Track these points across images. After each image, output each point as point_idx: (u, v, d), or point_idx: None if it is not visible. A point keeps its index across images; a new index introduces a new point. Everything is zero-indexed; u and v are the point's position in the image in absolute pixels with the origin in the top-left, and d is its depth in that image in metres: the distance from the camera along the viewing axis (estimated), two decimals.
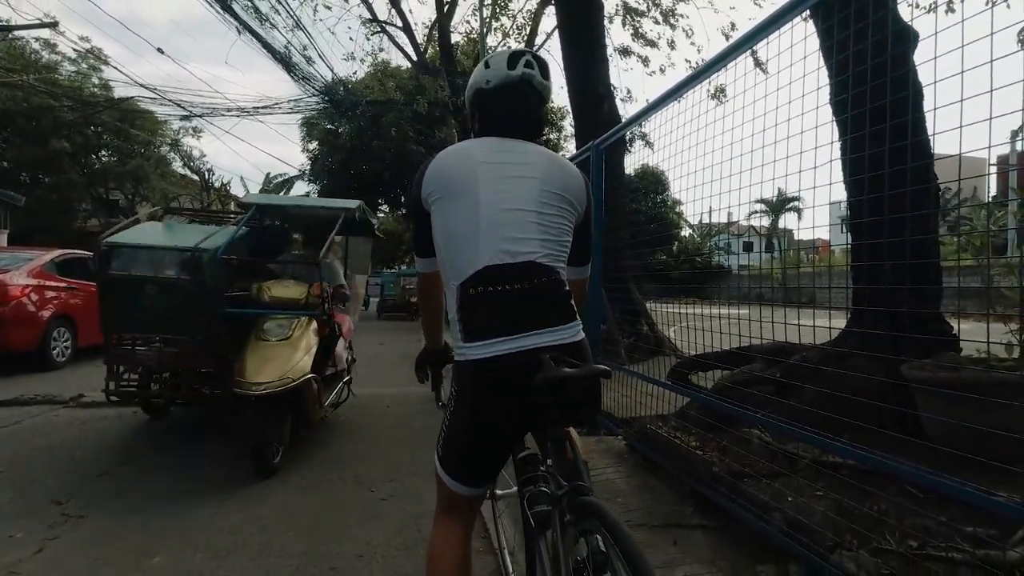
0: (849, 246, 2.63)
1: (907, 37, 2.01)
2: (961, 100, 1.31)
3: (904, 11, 2.27)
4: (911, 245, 1.95)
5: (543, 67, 1.50)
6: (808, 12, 2.02)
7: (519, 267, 1.31)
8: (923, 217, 2.01)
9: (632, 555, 1.01)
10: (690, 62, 14.85)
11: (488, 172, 1.37)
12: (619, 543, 1.04)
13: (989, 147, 1.32)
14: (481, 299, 1.29)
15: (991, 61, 1.28)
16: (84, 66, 18.75)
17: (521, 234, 1.33)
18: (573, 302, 1.39)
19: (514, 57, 1.47)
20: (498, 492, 2.10)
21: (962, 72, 1.32)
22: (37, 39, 17.97)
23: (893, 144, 1.76)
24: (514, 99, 1.47)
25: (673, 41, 16.32)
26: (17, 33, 15.64)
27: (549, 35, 16.49)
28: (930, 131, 1.90)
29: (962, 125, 1.32)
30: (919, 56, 2.26)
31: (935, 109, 1.42)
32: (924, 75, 2.21)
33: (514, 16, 16.26)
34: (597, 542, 1.11)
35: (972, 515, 1.75)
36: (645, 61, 13.87)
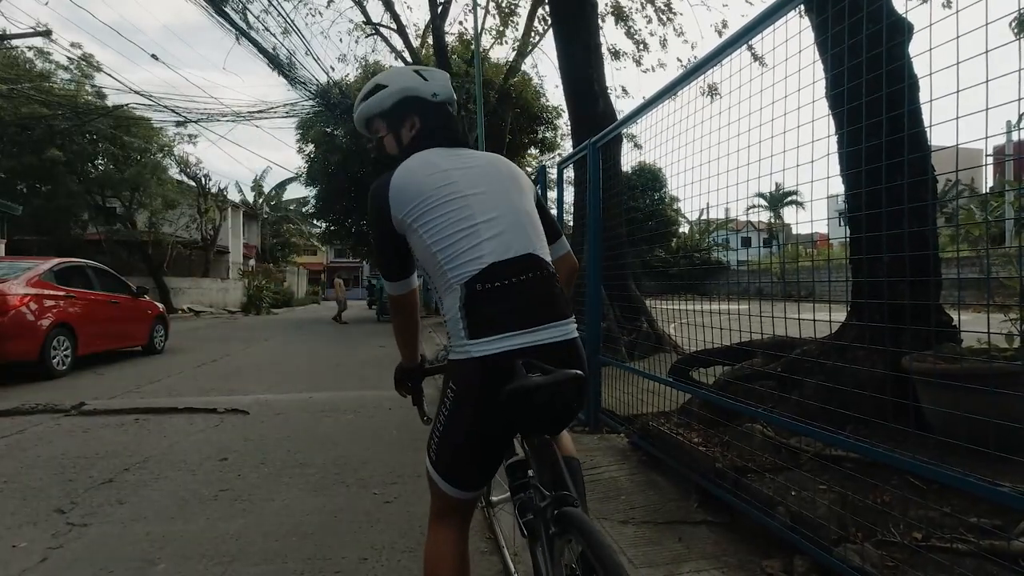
0: (848, 239, 2.63)
1: (902, 29, 2.01)
2: (957, 91, 1.31)
3: (899, 5, 2.27)
4: (909, 237, 1.96)
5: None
6: (803, 7, 2.02)
7: (521, 260, 1.33)
8: (921, 208, 2.02)
9: (612, 571, 0.99)
10: (682, 60, 14.95)
11: (464, 176, 1.39)
12: (600, 558, 1.02)
13: (987, 137, 1.32)
14: (488, 295, 1.29)
15: (986, 51, 1.28)
16: (78, 73, 18.69)
17: (515, 229, 1.36)
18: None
19: (449, 79, 1.58)
20: (493, 498, 2.09)
21: (957, 63, 1.33)
22: (31, 48, 17.96)
23: (890, 136, 1.76)
24: (453, 115, 1.55)
25: (665, 39, 16.41)
26: (12, 42, 15.63)
27: (543, 35, 16.52)
28: (926, 123, 1.90)
29: (958, 116, 1.33)
30: (913, 48, 2.27)
31: (931, 101, 1.43)
32: (919, 67, 2.21)
33: (507, 15, 16.28)
34: (581, 552, 1.11)
35: (976, 506, 1.76)
36: (638, 61, 13.94)
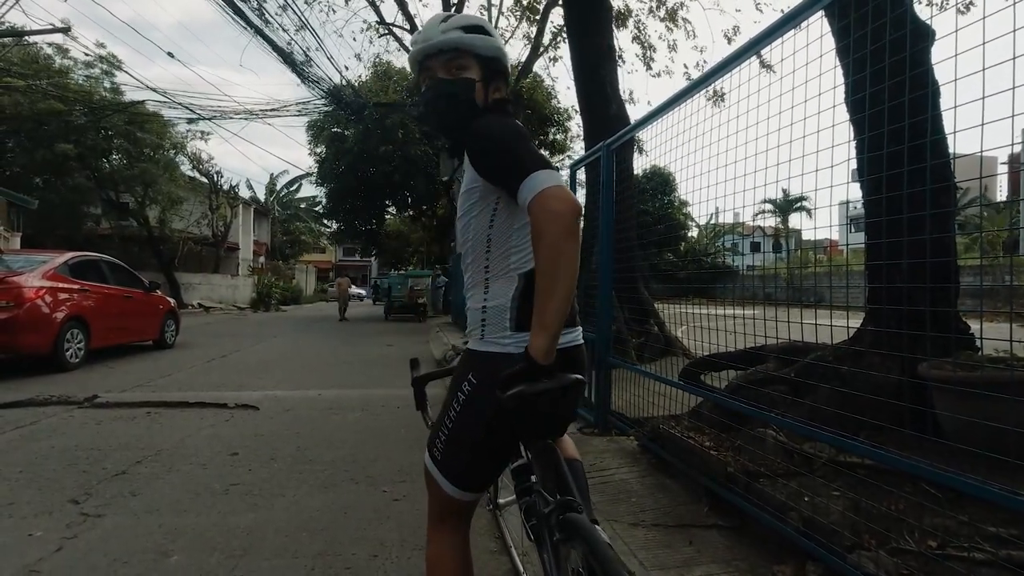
0: (865, 244, 2.62)
1: (924, 35, 2.00)
2: (983, 98, 1.31)
3: (921, 11, 2.26)
4: (928, 243, 1.94)
5: None
6: (823, 12, 2.02)
7: None
8: (940, 215, 2.00)
9: None
10: (687, 68, 15.03)
11: None
12: (603, 567, 1.00)
13: (1012, 144, 1.31)
14: None
15: (1013, 58, 1.28)
16: (97, 71, 18.90)
17: None
18: None
19: None
20: (500, 500, 2.09)
21: (983, 70, 1.32)
22: (50, 44, 18.18)
23: (911, 143, 1.75)
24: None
25: (675, 43, 16.45)
26: (32, 38, 15.83)
27: (555, 36, 16.52)
28: (948, 130, 1.89)
29: (984, 123, 1.32)
30: (934, 54, 2.25)
31: (955, 107, 1.42)
32: (939, 73, 2.20)
33: (521, 16, 16.31)
34: (583, 556, 1.09)
35: (993, 515, 1.74)
36: (649, 64, 13.94)
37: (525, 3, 15.99)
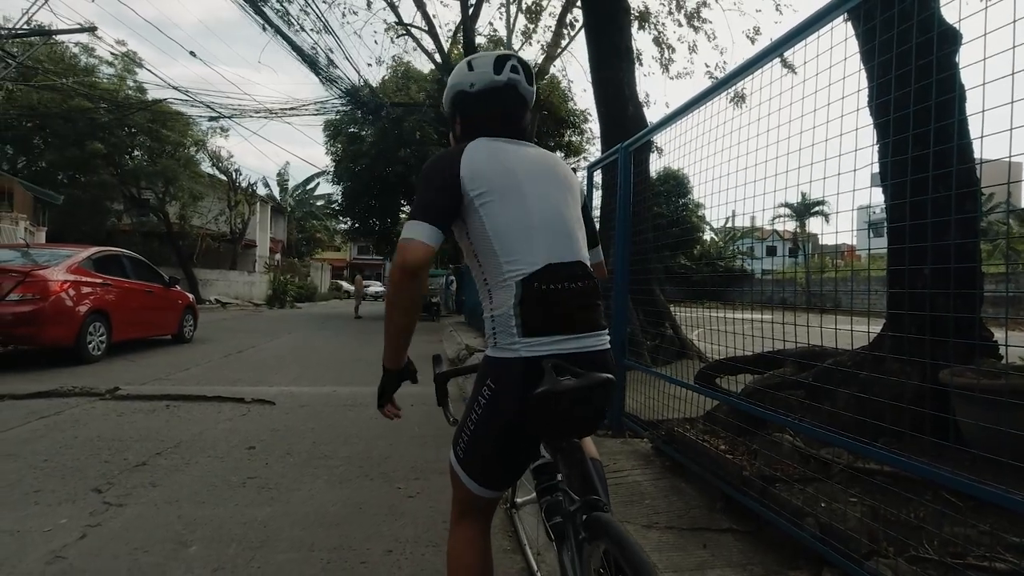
0: (888, 249, 2.59)
1: (951, 39, 1.97)
2: (1012, 102, 1.29)
3: (949, 14, 2.23)
4: (952, 249, 1.92)
5: (528, 73, 1.47)
6: (846, 14, 2.00)
7: (574, 266, 1.33)
8: (964, 221, 1.98)
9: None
10: (708, 67, 15.00)
11: (525, 169, 1.37)
12: (631, 565, 1.02)
13: None
14: (546, 295, 1.28)
15: None
16: (120, 68, 19.26)
17: (568, 233, 1.36)
18: None
19: (500, 61, 1.44)
20: (518, 500, 2.10)
21: (1012, 74, 1.30)
22: (77, 44, 18.58)
23: (937, 147, 1.74)
24: (499, 104, 1.44)
25: (695, 44, 16.44)
26: (58, 38, 16.18)
27: (573, 37, 16.52)
28: (974, 134, 1.87)
29: (1012, 127, 1.30)
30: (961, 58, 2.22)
31: (984, 111, 1.40)
32: (966, 77, 2.17)
33: (537, 13, 16.33)
34: (612, 558, 1.11)
35: (1015, 525, 1.72)
36: (666, 67, 13.90)
37: (530, 2, 16.00)
